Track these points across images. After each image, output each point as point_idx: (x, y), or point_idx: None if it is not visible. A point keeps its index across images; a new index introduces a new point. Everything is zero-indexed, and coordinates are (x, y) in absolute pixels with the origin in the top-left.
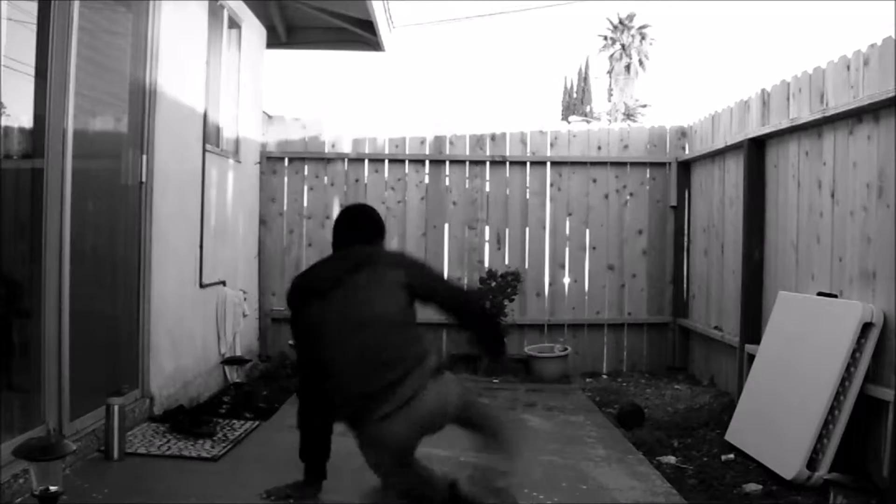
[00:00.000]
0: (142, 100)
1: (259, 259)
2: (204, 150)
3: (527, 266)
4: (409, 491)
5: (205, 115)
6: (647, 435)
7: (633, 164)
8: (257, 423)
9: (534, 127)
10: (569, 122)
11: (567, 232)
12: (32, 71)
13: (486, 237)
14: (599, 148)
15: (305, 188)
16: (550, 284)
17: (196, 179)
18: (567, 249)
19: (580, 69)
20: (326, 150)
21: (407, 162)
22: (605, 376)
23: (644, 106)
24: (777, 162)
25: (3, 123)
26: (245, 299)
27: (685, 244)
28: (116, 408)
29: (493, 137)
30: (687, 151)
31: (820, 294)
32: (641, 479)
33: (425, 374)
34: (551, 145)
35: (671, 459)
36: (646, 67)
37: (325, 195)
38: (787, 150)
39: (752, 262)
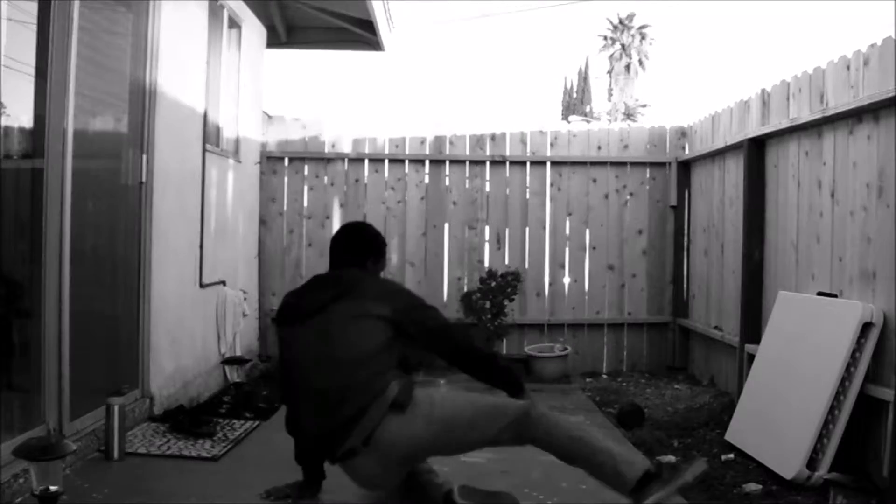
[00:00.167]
0: (142, 100)
1: (259, 259)
2: (204, 150)
3: (527, 266)
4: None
5: (205, 115)
6: (647, 435)
7: (633, 164)
8: (257, 423)
9: (534, 127)
10: (569, 122)
11: (567, 232)
12: (32, 71)
13: (486, 237)
14: (599, 148)
15: (305, 188)
16: (550, 284)
17: (196, 179)
18: (567, 249)
19: (580, 69)
20: (326, 150)
21: (407, 162)
22: (605, 376)
23: (644, 106)
24: (777, 162)
25: (3, 123)
26: (245, 299)
27: (685, 244)
28: (116, 408)
29: (493, 137)
30: (687, 151)
31: (820, 294)
32: None
33: (382, 408)
34: (551, 145)
35: (671, 459)
36: (646, 67)
37: (325, 195)
38: (786, 150)
39: (752, 262)
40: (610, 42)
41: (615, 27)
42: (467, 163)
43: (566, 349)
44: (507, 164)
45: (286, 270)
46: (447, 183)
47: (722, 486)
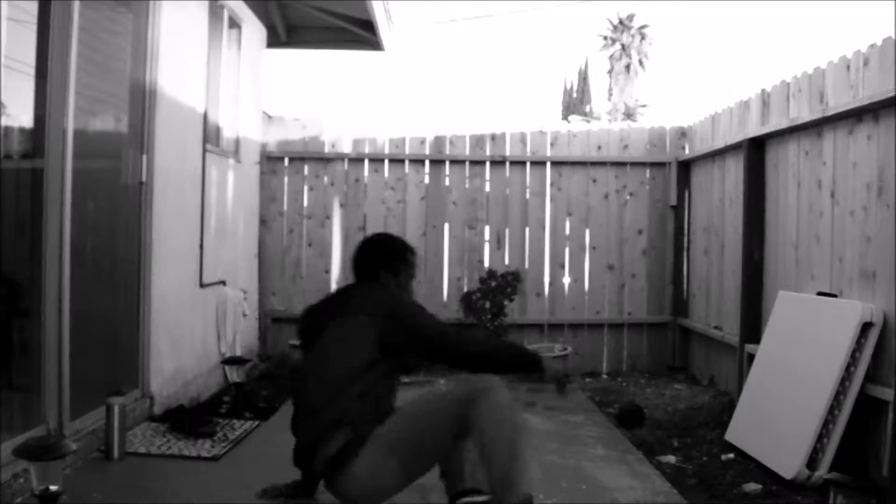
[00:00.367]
0: (142, 100)
1: (259, 259)
2: (204, 150)
3: (527, 266)
4: None
5: (205, 115)
6: (647, 435)
7: (633, 164)
8: (257, 423)
9: (534, 127)
10: (569, 122)
11: (567, 232)
12: (32, 71)
13: (486, 237)
14: (599, 148)
15: (305, 188)
16: (550, 284)
17: (196, 179)
18: (567, 249)
19: (580, 69)
20: (326, 150)
21: (407, 162)
22: (604, 376)
23: (644, 106)
24: (777, 162)
25: (3, 123)
26: (245, 299)
27: (685, 244)
28: (116, 407)
29: (493, 137)
30: (687, 151)
31: (820, 294)
32: (641, 478)
33: (347, 437)
34: (551, 145)
35: (671, 459)
36: (646, 67)
37: (325, 195)
38: (786, 150)
39: (751, 262)
40: (610, 42)
41: (615, 27)
42: (467, 163)
43: (566, 349)
44: (507, 164)
45: (286, 270)
46: (447, 183)
47: (722, 486)
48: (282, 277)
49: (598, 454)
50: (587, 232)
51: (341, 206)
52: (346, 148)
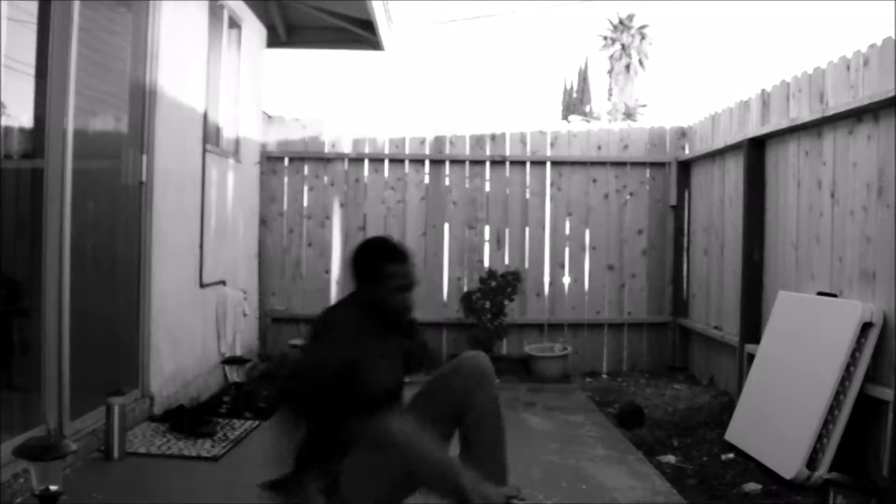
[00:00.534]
0: (142, 100)
1: (259, 259)
2: (204, 150)
3: (527, 266)
4: None
5: (205, 115)
6: (647, 435)
7: (633, 164)
8: (257, 423)
9: (534, 127)
10: (569, 122)
11: (567, 232)
12: (32, 71)
13: (486, 237)
14: (599, 148)
15: (305, 188)
16: (550, 284)
17: (196, 179)
18: (567, 249)
19: (580, 69)
20: (326, 150)
21: (407, 162)
22: (604, 376)
23: (644, 106)
24: (777, 162)
25: (3, 123)
26: (245, 299)
27: (685, 244)
28: (116, 407)
29: (493, 137)
30: (687, 151)
31: (820, 294)
32: (641, 478)
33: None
34: (551, 145)
35: (671, 459)
36: (646, 67)
37: (325, 195)
38: (786, 149)
39: (751, 262)
40: (610, 42)
41: (615, 27)
42: (467, 163)
43: (566, 349)
44: (507, 163)
45: (286, 270)
46: (447, 183)
47: (722, 486)
48: (282, 277)
49: (598, 454)
50: (587, 232)
51: (341, 206)
52: (346, 148)
